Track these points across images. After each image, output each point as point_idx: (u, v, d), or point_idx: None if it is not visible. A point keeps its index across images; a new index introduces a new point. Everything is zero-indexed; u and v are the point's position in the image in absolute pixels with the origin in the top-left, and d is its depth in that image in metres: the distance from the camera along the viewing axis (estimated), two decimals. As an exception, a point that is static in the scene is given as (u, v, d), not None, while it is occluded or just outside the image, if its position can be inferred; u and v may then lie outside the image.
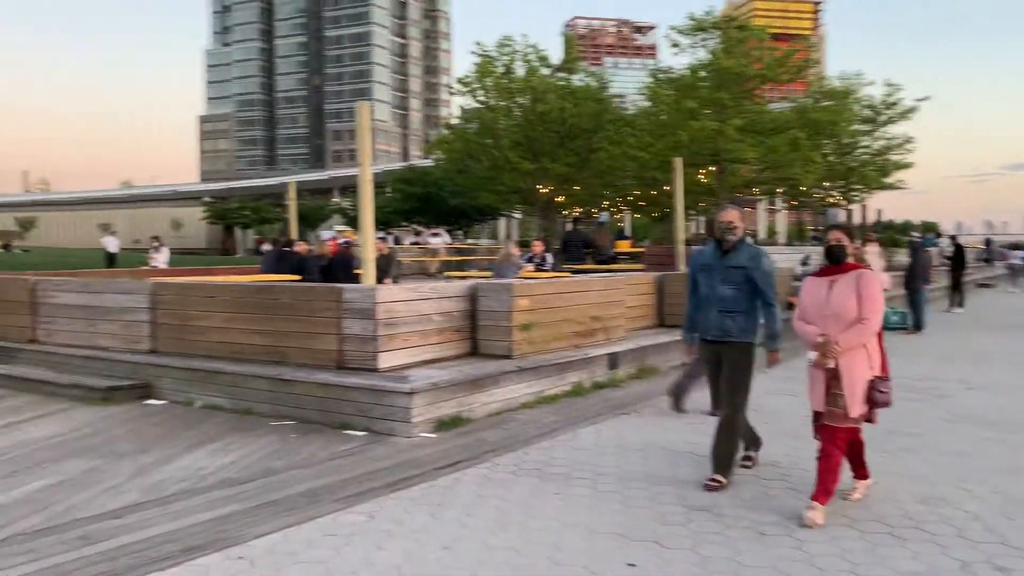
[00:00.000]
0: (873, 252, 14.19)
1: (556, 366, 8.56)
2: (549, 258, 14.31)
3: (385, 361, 7.28)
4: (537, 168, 36.41)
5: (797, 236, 69.05)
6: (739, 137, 30.68)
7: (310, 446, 6.57)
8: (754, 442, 5.85)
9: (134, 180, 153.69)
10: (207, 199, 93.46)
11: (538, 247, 14.23)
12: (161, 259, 21.93)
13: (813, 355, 4.82)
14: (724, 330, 5.36)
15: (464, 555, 4.20)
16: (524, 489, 5.31)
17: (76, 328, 9.67)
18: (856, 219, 45.79)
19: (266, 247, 28.36)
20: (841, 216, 46.34)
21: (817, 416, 4.92)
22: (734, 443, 5.40)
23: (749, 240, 5.72)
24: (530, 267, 13.07)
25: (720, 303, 5.37)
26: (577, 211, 43.82)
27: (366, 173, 7.97)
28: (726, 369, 5.43)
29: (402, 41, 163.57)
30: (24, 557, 4.22)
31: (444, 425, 7.06)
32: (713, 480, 5.28)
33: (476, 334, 8.34)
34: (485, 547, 4.31)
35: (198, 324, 8.52)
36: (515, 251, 12.19)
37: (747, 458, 5.75)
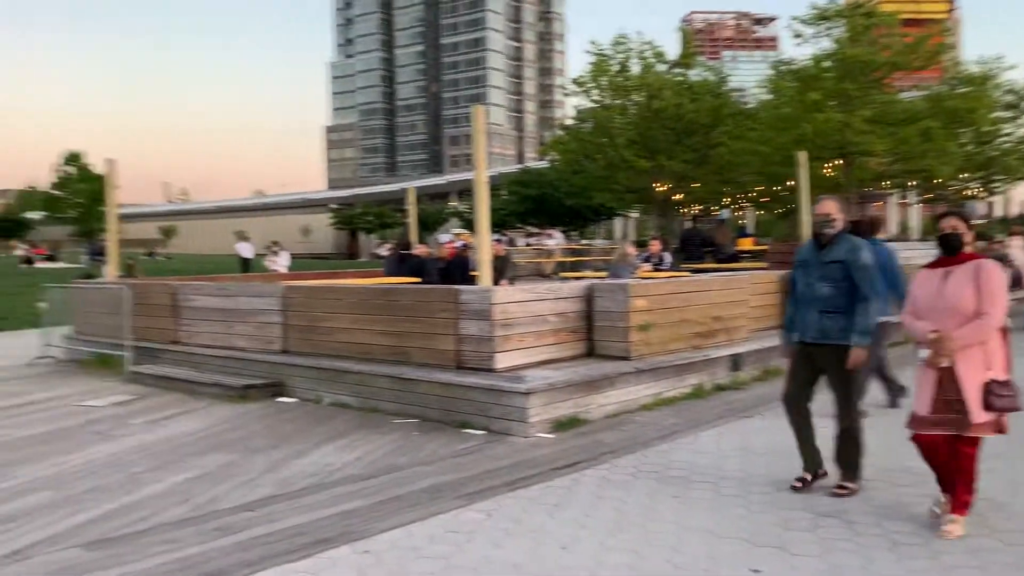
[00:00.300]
0: (1017, 246, 13.29)
1: (675, 367, 8.42)
2: (667, 257, 14.08)
3: (502, 361, 7.35)
4: (654, 166, 35.95)
5: (932, 231, 65.25)
6: (867, 129, 29.33)
7: (432, 444, 6.72)
8: (817, 463, 5.28)
9: (266, 189, 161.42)
10: (333, 206, 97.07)
11: (655, 246, 14.04)
12: (281, 263, 22.89)
13: (925, 353, 4.44)
14: (823, 331, 5.04)
15: (582, 555, 4.19)
16: (643, 491, 5.25)
17: (214, 329, 10.23)
18: (998, 212, 42.89)
19: (384, 251, 29.19)
20: (979, 209, 43.54)
21: (917, 420, 4.48)
22: (858, 448, 5.12)
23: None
24: (647, 267, 12.91)
25: (819, 302, 5.05)
26: (696, 209, 42.95)
27: (481, 176, 8.08)
28: (832, 378, 5.09)
29: (517, 44, 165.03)
30: (166, 546, 4.50)
31: (561, 426, 7.07)
32: (841, 487, 5.05)
33: (592, 335, 8.30)
34: (603, 548, 4.29)
35: (325, 325, 8.86)
36: (631, 251, 12.07)
37: (802, 480, 5.21)
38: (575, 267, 25.23)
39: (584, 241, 53.67)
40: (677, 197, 40.33)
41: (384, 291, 8.71)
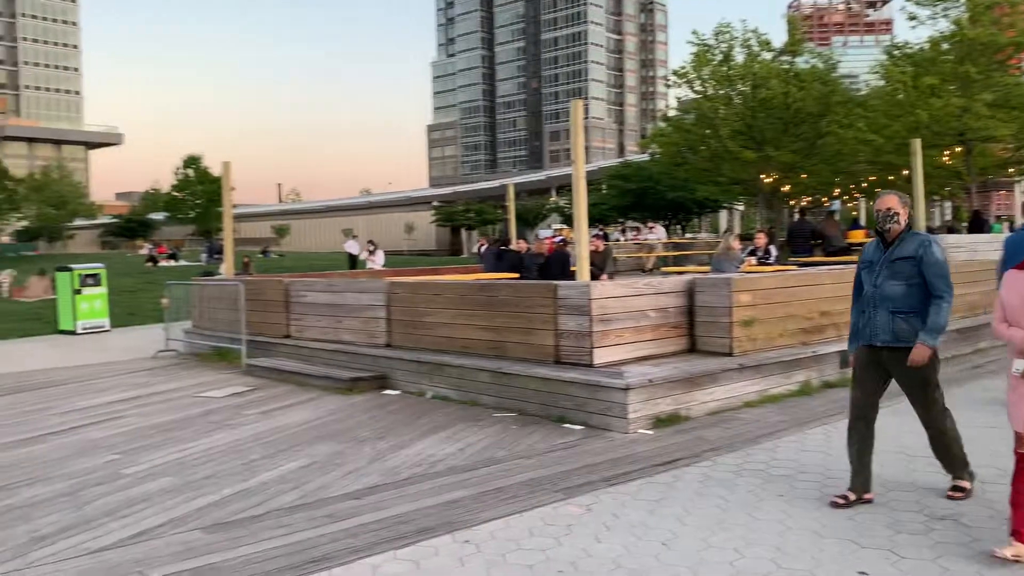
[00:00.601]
0: None
1: (781, 364, 8.20)
2: (773, 251, 13.72)
3: (600, 357, 7.34)
4: (760, 157, 34.98)
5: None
6: (989, 113, 27.66)
7: (530, 437, 6.78)
8: (864, 486, 4.90)
9: (372, 188, 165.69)
10: (435, 203, 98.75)
11: (761, 240, 13.70)
12: (377, 261, 23.53)
13: (1021, 364, 3.96)
14: (895, 334, 4.69)
15: (683, 552, 4.16)
16: (746, 489, 5.16)
17: (323, 324, 10.61)
18: None
19: (480, 247, 29.62)
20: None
21: (1019, 438, 4.02)
22: (954, 449, 4.83)
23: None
24: (752, 260, 12.62)
25: (888, 303, 4.70)
26: (805, 200, 41.55)
27: (579, 171, 8.08)
28: (907, 382, 4.76)
29: (617, 37, 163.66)
30: (279, 531, 4.71)
31: (662, 422, 7.01)
32: (956, 489, 4.82)
33: (694, 330, 8.18)
34: (705, 545, 4.24)
35: (427, 320, 9.06)
36: (736, 244, 11.81)
37: (844, 497, 4.81)
38: (678, 261, 24.84)
39: (688, 235, 52.81)
40: (785, 189, 39.14)
41: (483, 287, 8.83)
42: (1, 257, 60.29)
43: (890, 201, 4.78)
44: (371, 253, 23.99)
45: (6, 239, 78.32)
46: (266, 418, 8.04)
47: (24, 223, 76.61)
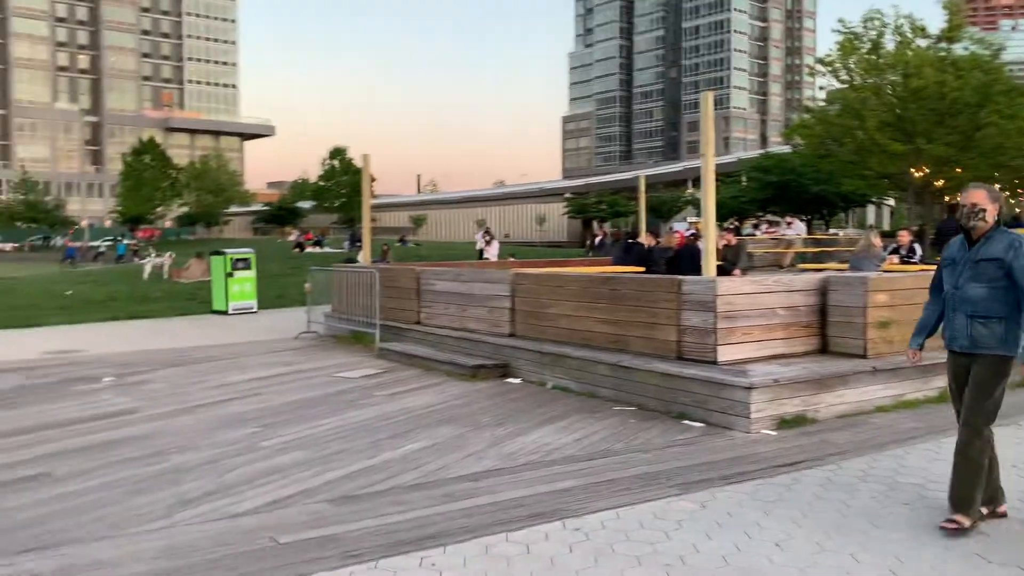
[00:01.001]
0: None
1: (919, 368, 7.73)
2: (918, 249, 13.01)
3: (725, 354, 7.22)
4: (910, 150, 33.02)
5: None
6: None
7: (648, 432, 6.77)
8: (992, 499, 4.51)
9: (506, 179, 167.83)
10: (567, 195, 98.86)
11: (904, 237, 13.03)
12: (492, 251, 23.99)
13: None
14: (974, 339, 4.35)
15: (795, 554, 4.07)
16: (868, 495, 4.98)
17: (451, 312, 10.92)
18: None
19: (596, 238, 29.59)
20: None
21: None
22: (973, 474, 4.35)
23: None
24: (894, 259, 12.02)
25: (968, 306, 4.37)
26: (959, 197, 38.92)
27: (708, 163, 7.95)
28: (969, 384, 4.40)
29: (762, 24, 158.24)
30: (398, 507, 4.94)
31: (786, 423, 6.83)
32: (950, 521, 4.31)
33: (826, 331, 7.91)
34: (819, 549, 4.14)
35: (550, 311, 9.17)
36: (877, 242, 11.29)
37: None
38: (818, 258, 23.90)
39: (831, 231, 50.58)
40: (938, 184, 36.79)
41: (606, 280, 8.85)
42: (163, 240, 65.04)
43: (977, 196, 4.41)
44: (487, 243, 24.46)
45: (169, 223, 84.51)
46: (394, 400, 8.39)
47: (185, 209, 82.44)
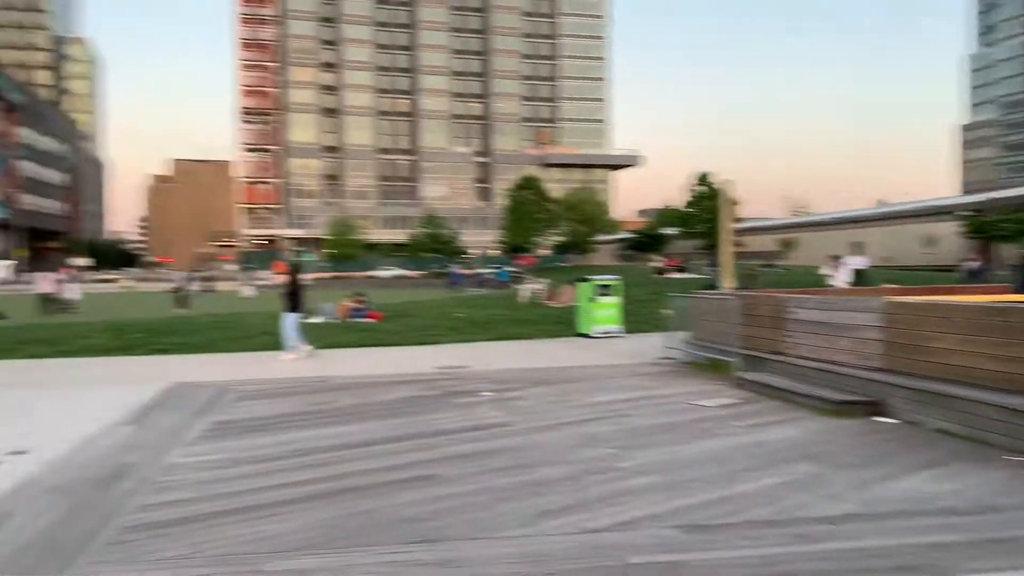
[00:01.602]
0: None
1: None
2: None
3: None
4: None
5: None
6: None
7: (1049, 489, 5.85)
8: None
9: (888, 198, 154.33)
10: (960, 212, 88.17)
11: None
12: (840, 277, 22.04)
13: None
14: None
15: None
16: None
17: (814, 342, 10.39)
18: None
19: (969, 263, 25.44)
20: None
21: None
22: None
23: None
24: None
25: None
26: None
27: None
28: None
29: None
30: (748, 541, 4.86)
31: None
32: None
33: None
34: None
35: (930, 345, 8.32)
36: None
37: None
38: None
39: None
40: None
41: (997, 310, 7.80)
42: (540, 267, 70.24)
43: None
44: (835, 269, 22.69)
45: (545, 251, 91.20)
46: (750, 431, 8.21)
47: (559, 238, 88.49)
